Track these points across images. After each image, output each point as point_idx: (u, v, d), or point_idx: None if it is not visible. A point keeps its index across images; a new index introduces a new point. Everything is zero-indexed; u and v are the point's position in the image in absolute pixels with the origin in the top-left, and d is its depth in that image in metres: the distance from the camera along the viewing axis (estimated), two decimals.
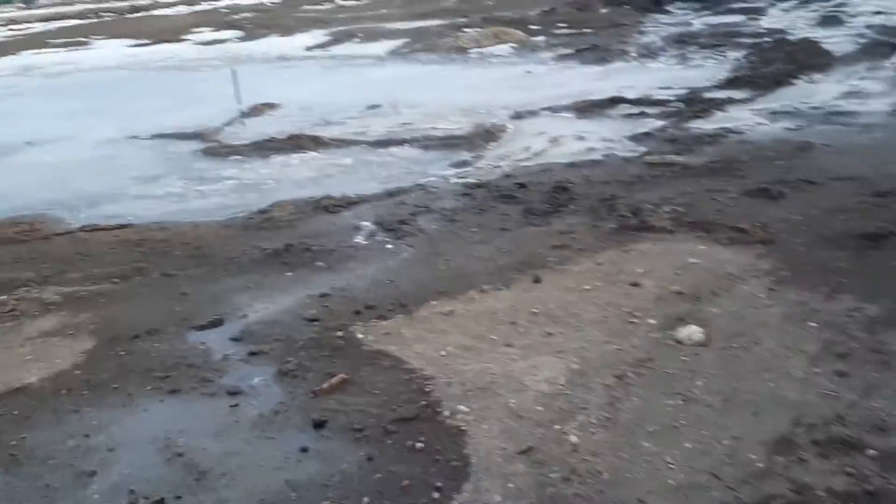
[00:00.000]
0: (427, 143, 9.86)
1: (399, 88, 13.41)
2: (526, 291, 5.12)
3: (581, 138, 9.48)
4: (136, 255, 6.50)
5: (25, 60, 20.03)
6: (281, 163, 9.51)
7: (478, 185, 7.95)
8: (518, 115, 10.81)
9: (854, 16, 15.33)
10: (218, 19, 24.44)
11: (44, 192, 8.94)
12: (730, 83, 11.43)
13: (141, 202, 8.45)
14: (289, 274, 5.82)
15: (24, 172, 9.99)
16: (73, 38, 23.37)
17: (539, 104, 11.32)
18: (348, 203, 7.64)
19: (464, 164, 8.93)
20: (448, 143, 9.79)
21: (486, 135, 9.97)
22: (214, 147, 10.39)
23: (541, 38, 16.73)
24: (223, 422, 3.92)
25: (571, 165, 8.39)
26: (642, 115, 10.31)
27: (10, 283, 5.96)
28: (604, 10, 18.86)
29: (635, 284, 5.06)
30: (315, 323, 4.91)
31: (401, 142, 9.97)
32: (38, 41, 23.31)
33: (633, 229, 6.06)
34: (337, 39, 19.19)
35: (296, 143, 10.17)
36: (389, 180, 8.49)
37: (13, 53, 21.47)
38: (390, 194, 7.89)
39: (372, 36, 19.30)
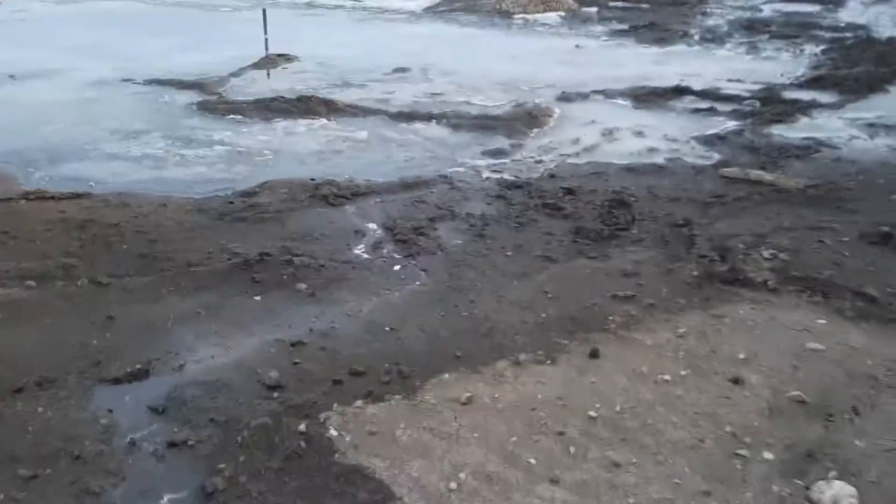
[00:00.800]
0: (458, 121, 8.19)
1: (432, 51, 11.68)
2: (580, 372, 3.51)
3: (640, 134, 7.79)
4: (74, 243, 4.92)
5: None
6: (284, 129, 7.88)
7: (516, 185, 6.32)
8: (566, 97, 9.09)
9: None
10: None
11: (4, 139, 7.38)
12: (812, 83, 9.62)
13: (111, 163, 6.87)
14: (257, 298, 4.23)
15: None
16: None
17: (590, 85, 9.58)
18: (354, 193, 6.03)
19: (500, 153, 7.27)
20: (483, 123, 8.11)
21: (528, 118, 8.29)
22: (213, 101, 8.76)
23: (593, 8, 14.88)
24: None
25: (630, 170, 6.72)
26: (712, 111, 8.57)
27: None
28: None
29: (737, 381, 3.44)
30: (275, 394, 3.33)
31: (427, 116, 8.30)
32: None
33: (722, 281, 4.41)
34: None
35: (305, 106, 8.52)
36: (409, 166, 6.86)
37: None
38: (407, 186, 6.27)
39: None
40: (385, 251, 4.95)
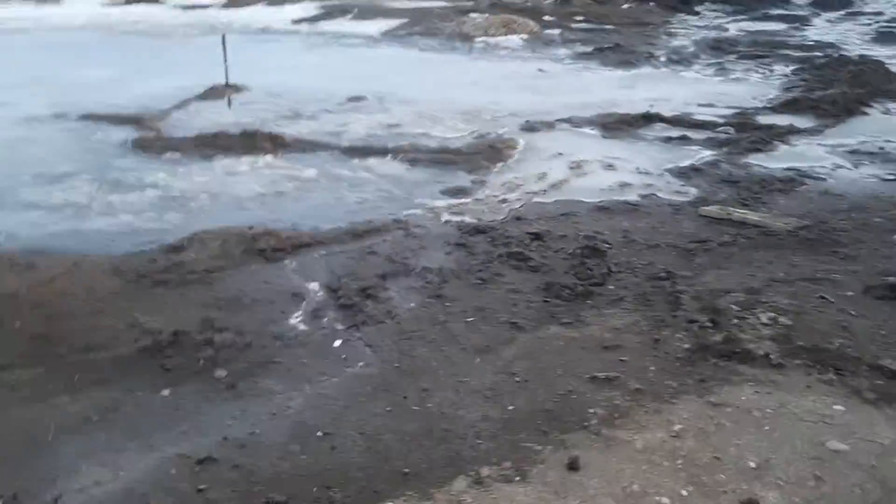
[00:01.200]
0: (416, 155, 7.48)
1: (390, 77, 11.00)
2: (557, 494, 2.79)
3: (610, 167, 7.14)
4: None
5: None
6: (225, 168, 7.11)
7: (478, 230, 5.62)
8: (530, 127, 8.44)
9: None
10: None
11: None
12: (787, 106, 9.08)
13: (28, 213, 6.05)
14: (164, 394, 3.45)
15: None
16: None
17: (555, 113, 8.95)
18: (296, 245, 5.27)
19: (461, 191, 6.57)
20: (442, 158, 7.41)
21: (491, 151, 7.60)
22: (150, 138, 7.96)
23: (555, 30, 14.31)
24: None
25: (602, 209, 6.05)
26: (684, 140, 7.96)
27: None
28: (626, 6, 16.39)
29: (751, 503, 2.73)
30: None
31: (383, 151, 7.58)
32: None
33: (717, 354, 3.72)
34: (329, 13, 16.69)
35: (250, 141, 7.76)
36: (360, 209, 6.13)
37: None
38: (358, 234, 5.53)
39: (368, 13, 16.78)
40: (325, 321, 4.20)
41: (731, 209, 5.86)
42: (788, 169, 6.94)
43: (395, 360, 3.74)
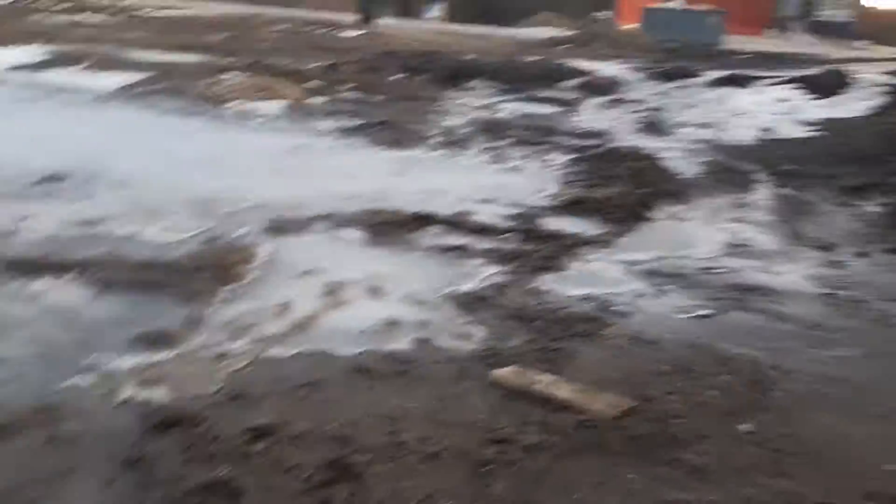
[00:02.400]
0: (113, 272, 5.21)
1: (111, 147, 8.53)
2: None
3: (376, 291, 5.33)
4: None
5: None
6: None
7: (170, 422, 3.55)
8: (278, 227, 6.45)
9: (678, 125, 12.51)
10: None
11: None
12: (571, 206, 7.81)
13: None
14: None
15: None
16: None
17: (312, 205, 7.04)
18: None
19: (162, 339, 4.41)
20: (149, 278, 5.22)
21: (219, 267, 5.50)
22: None
23: (319, 99, 12.47)
24: None
25: (362, 372, 4.20)
26: (463, 250, 6.33)
27: None
28: (397, 76, 14.99)
29: None
30: None
31: (58, 267, 5.21)
32: None
33: None
34: (56, 61, 13.72)
35: None
36: None
37: None
38: None
39: (106, 63, 13.99)
40: None
41: (531, 374, 4.19)
42: (586, 298, 5.50)
43: None
